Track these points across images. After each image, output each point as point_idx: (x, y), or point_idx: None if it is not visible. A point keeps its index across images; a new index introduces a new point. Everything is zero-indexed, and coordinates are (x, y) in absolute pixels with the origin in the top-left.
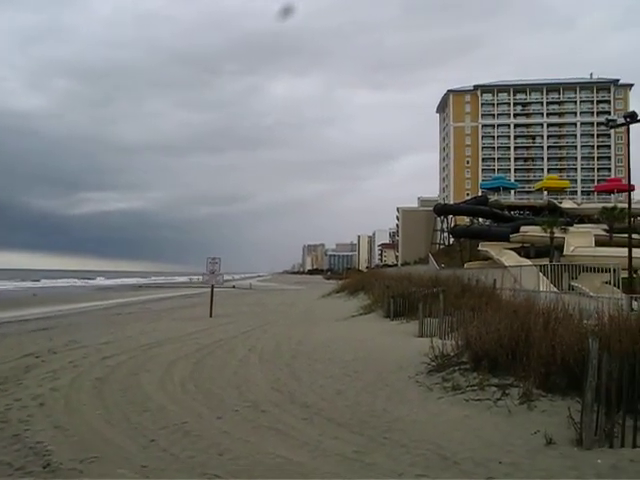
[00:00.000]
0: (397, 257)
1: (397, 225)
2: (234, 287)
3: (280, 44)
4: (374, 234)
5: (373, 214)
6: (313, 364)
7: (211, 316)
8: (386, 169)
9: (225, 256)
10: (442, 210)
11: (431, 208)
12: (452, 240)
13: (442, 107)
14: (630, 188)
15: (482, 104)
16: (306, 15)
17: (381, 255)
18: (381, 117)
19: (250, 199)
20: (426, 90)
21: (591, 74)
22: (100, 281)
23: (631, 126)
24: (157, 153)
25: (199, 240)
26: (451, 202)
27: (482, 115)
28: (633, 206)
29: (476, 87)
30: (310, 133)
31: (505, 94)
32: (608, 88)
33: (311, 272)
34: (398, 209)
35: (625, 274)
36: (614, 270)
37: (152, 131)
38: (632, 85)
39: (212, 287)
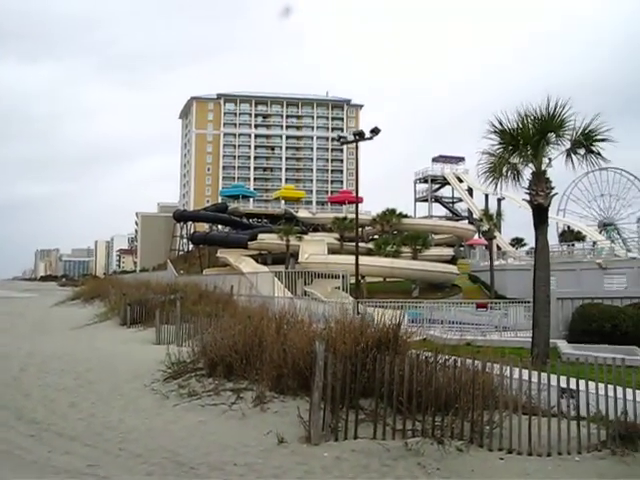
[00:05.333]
0: (136, 263)
1: (136, 230)
2: None
3: (7, 26)
4: (112, 239)
5: (112, 219)
6: (44, 377)
7: None
8: (126, 172)
9: None
10: (182, 216)
11: (171, 214)
12: (192, 247)
13: (185, 113)
14: (358, 200)
15: (225, 113)
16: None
17: (119, 261)
18: (122, 117)
19: None
20: (171, 93)
21: (327, 92)
22: None
23: (360, 143)
24: None
25: None
26: (191, 209)
27: (224, 124)
28: (361, 217)
29: (219, 96)
30: (42, 128)
31: (247, 105)
32: (342, 107)
33: (44, 278)
34: (137, 214)
35: (353, 280)
36: (343, 276)
37: None
38: (362, 106)
39: None
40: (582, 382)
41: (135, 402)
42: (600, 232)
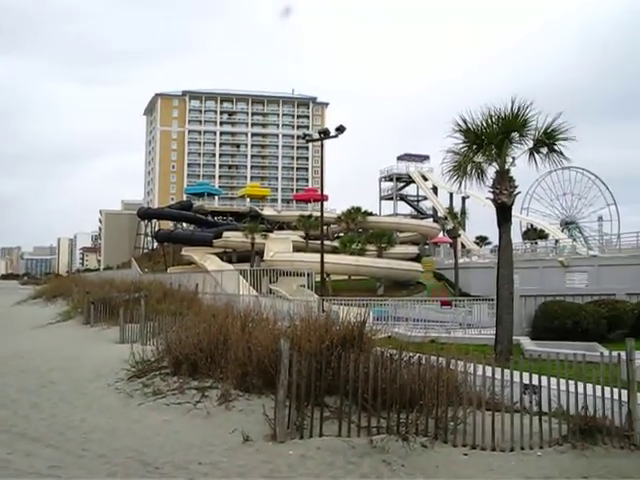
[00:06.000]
0: (99, 261)
1: (100, 228)
2: None
3: None
4: (75, 237)
5: (75, 216)
6: (4, 377)
7: None
8: (90, 169)
9: None
10: (146, 214)
11: (135, 212)
12: (156, 245)
13: (150, 110)
14: (323, 198)
15: (190, 110)
16: None
17: (83, 259)
18: (87, 113)
19: None
20: (136, 90)
21: (293, 90)
22: None
23: (326, 141)
24: None
25: None
26: (156, 206)
27: (189, 121)
28: (326, 215)
29: (184, 93)
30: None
31: (213, 102)
32: (307, 104)
33: (5, 277)
34: (101, 212)
35: (319, 278)
36: (309, 274)
37: None
38: (328, 104)
39: None
40: (544, 378)
41: (99, 401)
42: (562, 230)
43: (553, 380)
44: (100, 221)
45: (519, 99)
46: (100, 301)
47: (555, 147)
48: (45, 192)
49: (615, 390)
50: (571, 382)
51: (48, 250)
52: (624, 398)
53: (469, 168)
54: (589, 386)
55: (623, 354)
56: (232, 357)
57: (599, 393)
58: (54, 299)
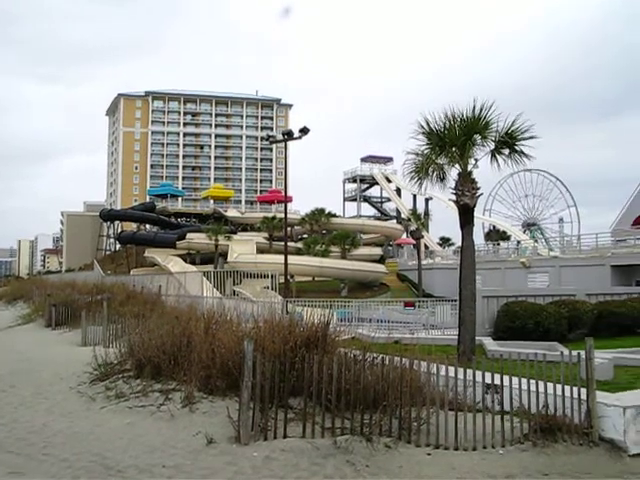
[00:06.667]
0: (61, 263)
1: (62, 230)
2: None
3: None
4: (36, 239)
5: (36, 218)
6: None
7: None
8: (51, 170)
9: None
10: (108, 215)
11: (98, 213)
12: (119, 246)
13: (112, 110)
14: (287, 199)
15: (153, 111)
16: None
17: (44, 261)
18: (46, 112)
19: None
20: (97, 89)
21: (257, 91)
22: None
23: (289, 143)
24: None
25: None
26: (118, 208)
27: (152, 122)
28: (290, 216)
29: (147, 93)
30: None
31: (176, 102)
32: (271, 106)
33: None
34: (63, 213)
35: (283, 279)
36: (273, 276)
37: None
38: (292, 105)
39: None
40: (506, 378)
41: (60, 405)
42: (524, 232)
43: (515, 379)
44: (62, 222)
45: (481, 101)
46: (62, 303)
47: (516, 148)
48: (4, 193)
49: (575, 389)
50: (532, 381)
51: (8, 252)
52: (583, 396)
53: (431, 169)
54: (550, 385)
55: (582, 353)
56: (196, 359)
57: (559, 392)
58: (14, 302)
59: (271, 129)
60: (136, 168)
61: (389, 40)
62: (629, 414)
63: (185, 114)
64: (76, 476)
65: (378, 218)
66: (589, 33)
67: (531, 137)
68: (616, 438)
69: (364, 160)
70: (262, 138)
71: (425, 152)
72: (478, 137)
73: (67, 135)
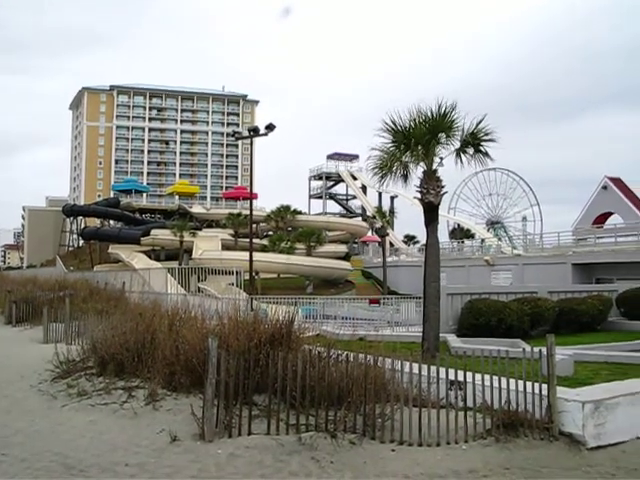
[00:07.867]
0: (22, 259)
1: (23, 225)
2: None
3: None
4: None
5: None
6: None
7: None
8: (10, 164)
9: None
10: (71, 211)
11: (60, 208)
12: (82, 242)
13: (76, 104)
14: (253, 196)
15: (118, 105)
16: None
17: (4, 257)
18: (7, 105)
19: None
20: (61, 81)
21: (223, 87)
22: None
23: (255, 139)
24: None
25: None
26: (82, 203)
27: (117, 116)
28: (255, 213)
29: (112, 87)
30: None
31: (141, 97)
32: (238, 102)
33: None
34: (24, 208)
35: (248, 276)
36: (238, 273)
37: None
38: (258, 102)
39: None
40: (469, 374)
41: (20, 404)
42: (488, 230)
43: (478, 376)
44: (23, 217)
45: (446, 100)
46: (23, 300)
47: (481, 148)
48: None
49: (536, 384)
50: (495, 378)
51: None
52: (544, 392)
53: (395, 167)
54: (512, 381)
55: (544, 350)
56: (159, 356)
57: (521, 388)
58: None
59: (237, 125)
60: (100, 163)
61: (358, 39)
62: (588, 409)
63: (151, 109)
64: (36, 476)
65: (344, 215)
66: (572, 30)
67: (491, 139)
68: (575, 432)
69: (330, 157)
70: (228, 134)
71: (390, 150)
72: (443, 136)
73: (29, 128)
